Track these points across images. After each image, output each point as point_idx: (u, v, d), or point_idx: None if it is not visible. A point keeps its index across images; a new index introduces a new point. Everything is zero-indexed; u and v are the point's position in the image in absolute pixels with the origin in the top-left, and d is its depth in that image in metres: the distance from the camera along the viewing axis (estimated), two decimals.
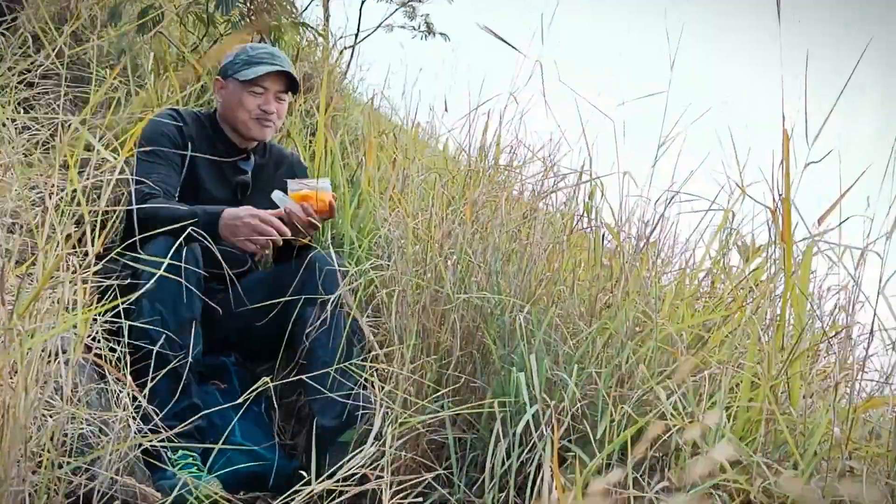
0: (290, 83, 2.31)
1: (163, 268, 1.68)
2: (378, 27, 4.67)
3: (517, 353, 1.64)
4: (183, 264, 1.89)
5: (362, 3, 4.34)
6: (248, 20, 3.18)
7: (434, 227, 1.68)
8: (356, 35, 4.43)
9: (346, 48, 4.55)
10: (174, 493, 1.64)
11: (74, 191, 1.34)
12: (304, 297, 2.12)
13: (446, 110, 3.31)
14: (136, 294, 1.81)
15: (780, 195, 1.36)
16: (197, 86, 3.32)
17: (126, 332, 1.75)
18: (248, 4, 3.17)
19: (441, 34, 5.04)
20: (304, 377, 2.05)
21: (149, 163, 2.19)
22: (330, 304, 2.04)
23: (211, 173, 2.31)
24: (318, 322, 2.06)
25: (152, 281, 1.99)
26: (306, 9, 3.99)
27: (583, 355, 1.61)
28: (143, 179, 2.12)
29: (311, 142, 3.29)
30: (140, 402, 1.61)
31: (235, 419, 2.08)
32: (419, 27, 5.06)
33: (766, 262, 1.69)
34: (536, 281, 1.75)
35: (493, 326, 1.73)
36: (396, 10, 4.73)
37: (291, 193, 2.17)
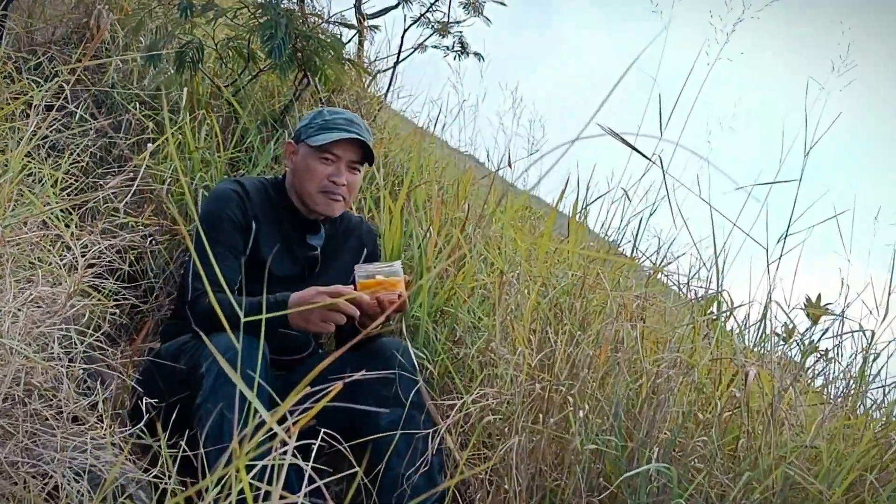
0: (365, 153, 2.10)
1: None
2: (414, 50, 4.44)
3: None
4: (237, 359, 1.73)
5: (405, 29, 4.10)
6: (295, 61, 2.94)
7: (558, 364, 1.47)
8: (396, 59, 4.20)
9: (380, 71, 4.34)
10: None
11: None
12: (374, 392, 1.97)
13: (510, 166, 3.10)
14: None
15: None
16: (237, 129, 3.09)
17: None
18: (295, 44, 2.93)
19: (475, 54, 4.80)
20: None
21: (209, 252, 1.98)
22: (396, 390, 1.91)
23: (277, 251, 2.09)
24: (394, 428, 1.93)
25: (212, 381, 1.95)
26: (349, 41, 3.74)
27: None
28: (200, 274, 1.93)
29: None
30: None
31: None
32: (453, 46, 4.82)
33: None
34: (664, 420, 1.55)
35: (618, 473, 1.53)
36: (432, 33, 4.48)
37: (361, 283, 1.95)
